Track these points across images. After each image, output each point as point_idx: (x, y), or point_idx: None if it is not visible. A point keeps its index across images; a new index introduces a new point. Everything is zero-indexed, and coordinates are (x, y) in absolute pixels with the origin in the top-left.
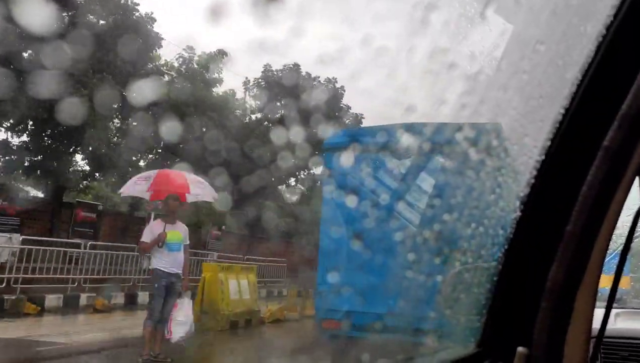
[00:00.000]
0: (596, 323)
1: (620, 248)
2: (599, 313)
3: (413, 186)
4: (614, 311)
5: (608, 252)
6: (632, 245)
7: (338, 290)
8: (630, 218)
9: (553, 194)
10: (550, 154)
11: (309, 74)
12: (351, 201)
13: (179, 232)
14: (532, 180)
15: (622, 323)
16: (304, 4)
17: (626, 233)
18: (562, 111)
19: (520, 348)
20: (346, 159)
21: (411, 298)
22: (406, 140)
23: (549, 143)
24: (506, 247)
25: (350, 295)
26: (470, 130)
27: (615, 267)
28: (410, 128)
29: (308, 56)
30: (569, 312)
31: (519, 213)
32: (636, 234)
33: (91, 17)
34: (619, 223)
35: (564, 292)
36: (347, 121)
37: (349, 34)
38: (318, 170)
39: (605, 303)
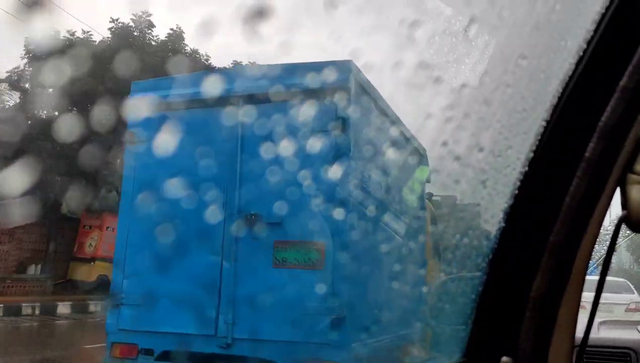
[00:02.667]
0: (579, 332)
1: (604, 256)
2: (582, 322)
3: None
4: (597, 320)
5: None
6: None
7: (138, 301)
8: (612, 228)
9: (537, 205)
10: (533, 165)
11: None
12: (165, 178)
13: None
14: (516, 191)
15: (605, 332)
16: (291, 19)
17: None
18: (544, 123)
19: (504, 358)
20: (159, 119)
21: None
22: (249, 87)
23: (532, 155)
24: (491, 257)
25: (156, 309)
26: (318, 70)
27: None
28: (252, 71)
29: None
30: (553, 321)
31: (503, 224)
32: (618, 244)
33: None
34: (601, 232)
35: (548, 302)
36: None
37: (335, 48)
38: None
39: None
